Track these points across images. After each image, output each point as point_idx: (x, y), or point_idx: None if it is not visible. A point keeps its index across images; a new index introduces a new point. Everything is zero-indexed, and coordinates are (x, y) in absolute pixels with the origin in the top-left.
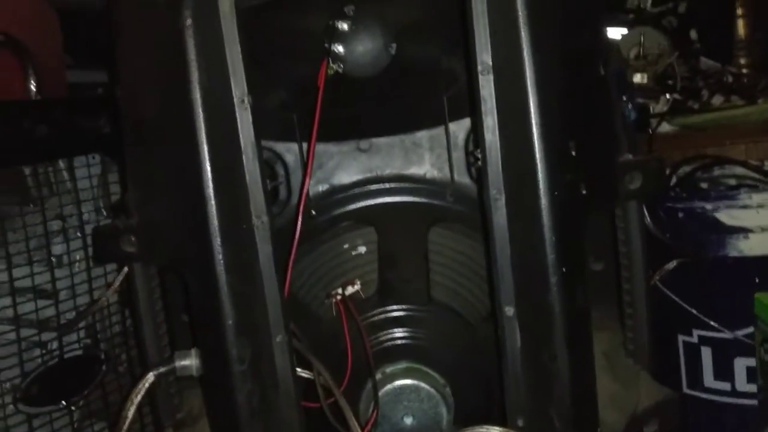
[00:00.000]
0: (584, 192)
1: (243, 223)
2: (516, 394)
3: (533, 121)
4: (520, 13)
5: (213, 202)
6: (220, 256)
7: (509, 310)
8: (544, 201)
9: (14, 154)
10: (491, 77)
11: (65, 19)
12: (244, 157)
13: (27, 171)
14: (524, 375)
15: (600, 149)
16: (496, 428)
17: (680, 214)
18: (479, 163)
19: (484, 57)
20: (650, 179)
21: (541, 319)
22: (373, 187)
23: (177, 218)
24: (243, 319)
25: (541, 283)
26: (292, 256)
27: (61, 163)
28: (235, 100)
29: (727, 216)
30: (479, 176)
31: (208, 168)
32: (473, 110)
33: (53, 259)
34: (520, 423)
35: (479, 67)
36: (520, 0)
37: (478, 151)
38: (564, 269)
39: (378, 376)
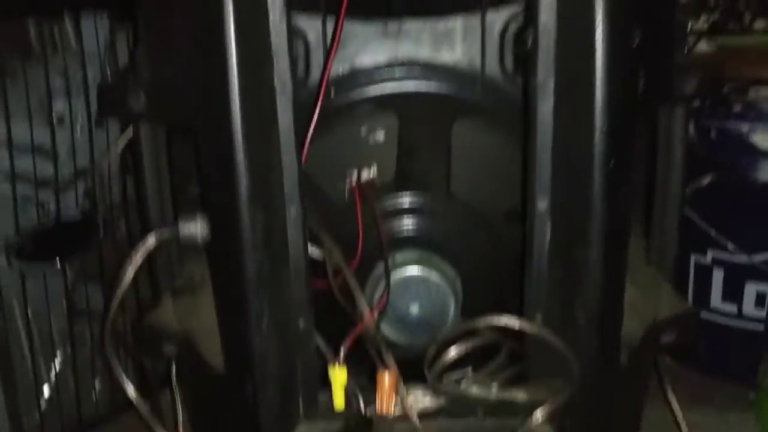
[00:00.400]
0: (642, 86)
1: (265, 83)
2: (538, 290)
3: None
4: None
5: (235, 56)
6: (239, 115)
7: (542, 204)
8: (599, 87)
9: (17, 5)
10: None
11: None
12: (270, 18)
13: (31, 25)
14: (550, 270)
15: (661, 43)
16: (511, 319)
17: (713, 134)
18: (528, 45)
19: None
20: (706, 82)
21: (579, 215)
22: (399, 72)
23: (193, 76)
24: (258, 184)
25: (584, 178)
26: (311, 130)
27: (67, 20)
28: None
29: (762, 139)
30: (526, 60)
31: (232, 20)
32: None
33: (54, 118)
34: (539, 318)
35: None
36: None
37: (528, 32)
38: (611, 165)
39: (388, 263)
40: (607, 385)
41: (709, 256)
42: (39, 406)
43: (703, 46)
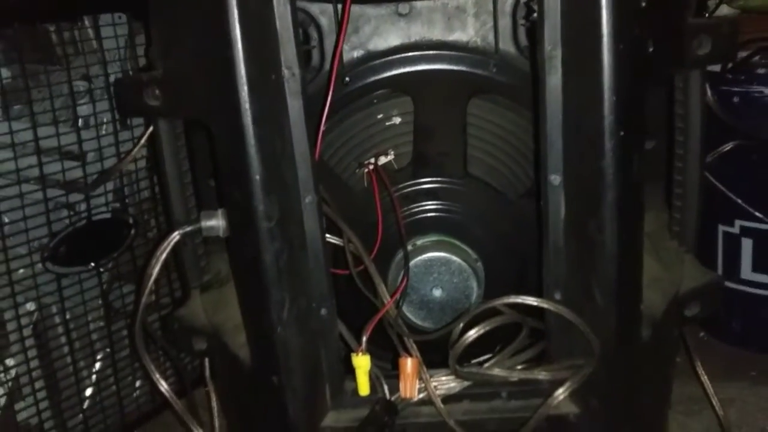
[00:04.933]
0: (650, 50)
1: (273, 73)
2: (556, 267)
3: None
4: None
5: (240, 48)
6: (248, 106)
7: (555, 179)
8: (607, 55)
9: (37, 10)
10: None
11: None
12: (275, 5)
13: (51, 28)
14: (567, 247)
15: (670, 6)
16: (531, 298)
17: (736, 99)
18: (534, 15)
19: None
20: (720, 44)
21: (592, 188)
22: (412, 53)
23: (203, 67)
24: (271, 174)
25: (594, 149)
26: (324, 118)
27: (86, 21)
28: None
29: None
30: (533, 32)
31: (236, 11)
32: None
33: (79, 121)
34: (558, 296)
35: None
36: None
37: (534, 2)
38: (622, 133)
39: (408, 248)
40: (629, 361)
41: (737, 225)
42: (82, 406)
43: (724, 10)
